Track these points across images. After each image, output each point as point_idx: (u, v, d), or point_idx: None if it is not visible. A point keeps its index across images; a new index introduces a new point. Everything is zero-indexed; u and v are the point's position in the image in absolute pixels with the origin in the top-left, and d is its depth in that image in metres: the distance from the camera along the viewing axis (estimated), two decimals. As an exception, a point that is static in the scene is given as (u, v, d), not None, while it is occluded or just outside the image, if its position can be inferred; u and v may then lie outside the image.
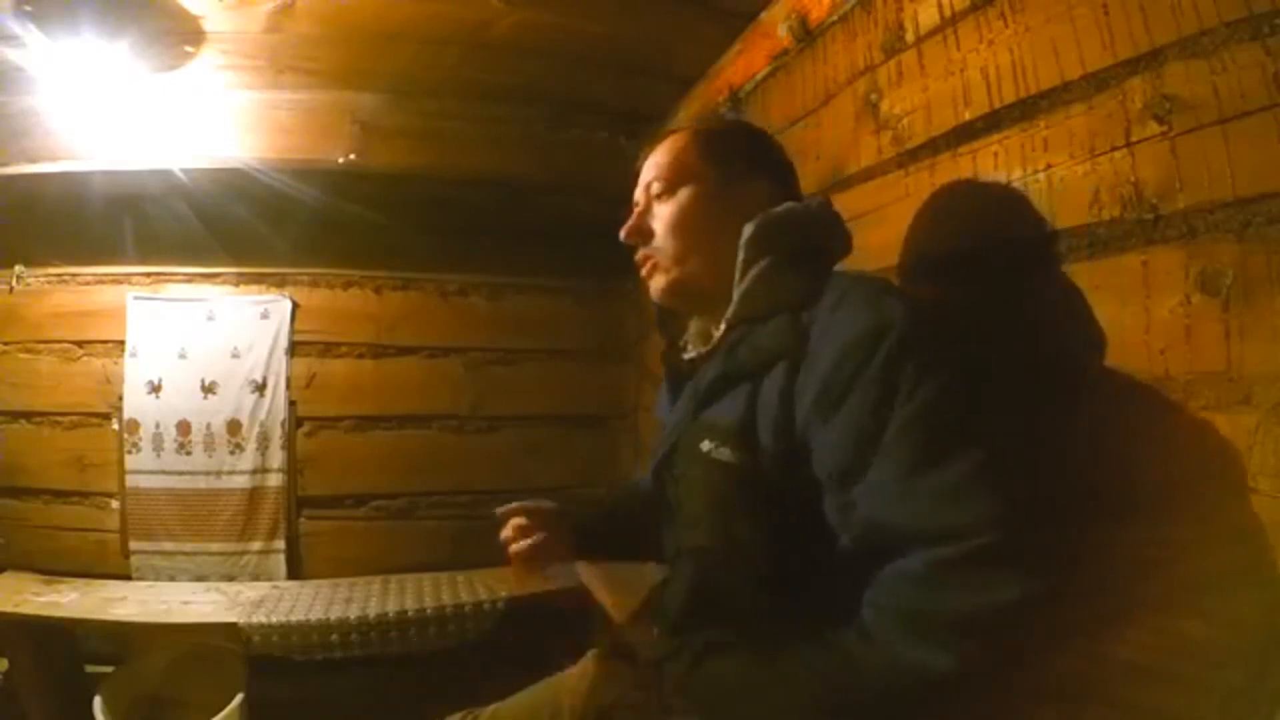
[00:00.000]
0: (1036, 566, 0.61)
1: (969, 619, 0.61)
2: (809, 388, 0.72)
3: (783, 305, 0.79)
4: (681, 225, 0.89)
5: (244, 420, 2.29)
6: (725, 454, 0.77)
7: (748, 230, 0.84)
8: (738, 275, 0.85)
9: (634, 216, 0.93)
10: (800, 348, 0.74)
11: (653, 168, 0.93)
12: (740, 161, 0.92)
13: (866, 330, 0.70)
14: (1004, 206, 0.99)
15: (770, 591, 0.76)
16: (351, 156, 2.21)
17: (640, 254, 0.93)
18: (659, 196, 0.92)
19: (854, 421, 0.68)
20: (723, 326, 0.86)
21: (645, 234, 0.92)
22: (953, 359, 0.71)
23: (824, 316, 0.75)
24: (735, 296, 0.84)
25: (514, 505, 1.02)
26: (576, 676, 1.07)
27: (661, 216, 0.91)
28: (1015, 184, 0.97)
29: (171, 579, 2.19)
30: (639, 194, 0.95)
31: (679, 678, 0.81)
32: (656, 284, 0.92)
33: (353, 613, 1.96)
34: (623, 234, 0.94)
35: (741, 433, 0.77)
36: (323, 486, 2.37)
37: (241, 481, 2.27)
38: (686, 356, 0.95)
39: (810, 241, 0.86)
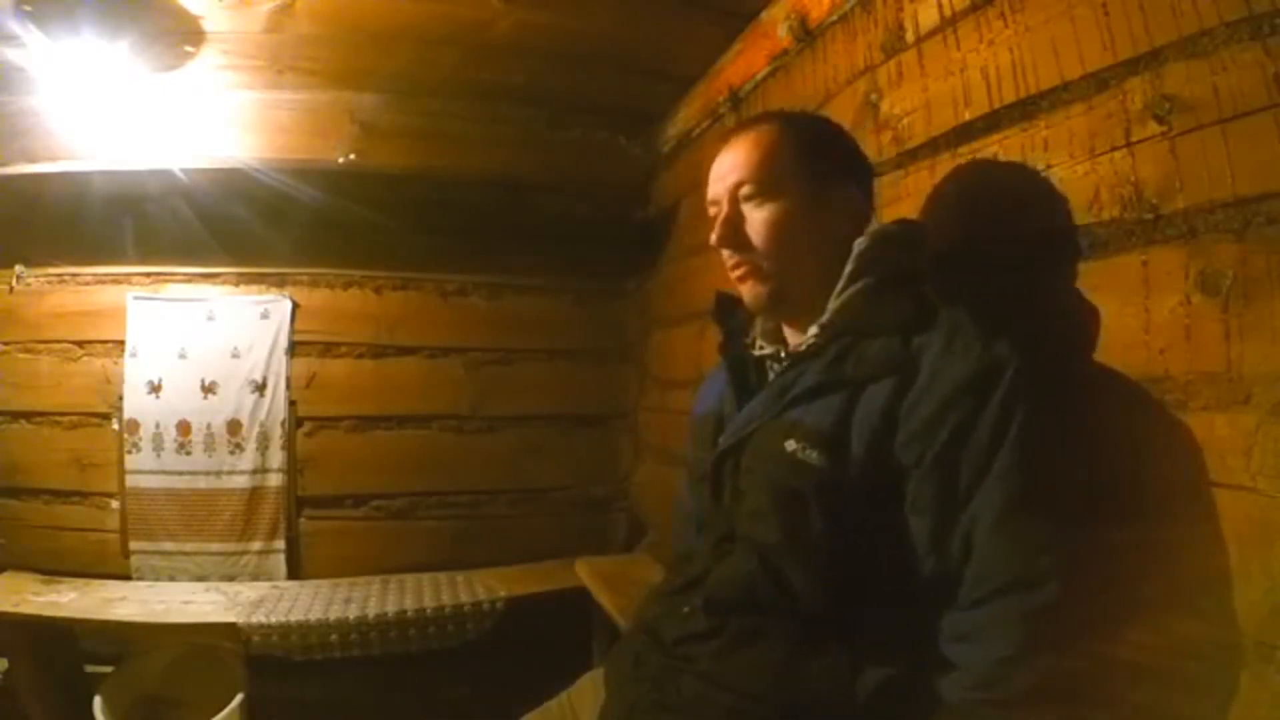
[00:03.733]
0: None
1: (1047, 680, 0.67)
2: (919, 411, 0.75)
3: (891, 325, 0.80)
4: (783, 234, 0.86)
5: (244, 420, 2.29)
6: (813, 456, 0.78)
7: (861, 244, 0.85)
8: (841, 285, 0.85)
9: (724, 220, 0.88)
10: (910, 370, 0.76)
11: (741, 167, 0.88)
12: (834, 165, 0.91)
13: (984, 369, 0.73)
14: (1018, 200, 0.99)
15: (826, 596, 0.78)
16: (351, 156, 2.21)
17: (734, 260, 0.89)
18: (751, 199, 0.87)
19: (963, 453, 0.72)
20: (812, 331, 0.86)
21: (742, 240, 0.88)
22: (1055, 404, 0.76)
23: (938, 346, 0.76)
24: (833, 305, 0.85)
25: None
26: (589, 690, 1.07)
27: (758, 222, 0.87)
28: (1028, 177, 0.97)
29: (171, 579, 2.19)
30: (721, 192, 0.90)
31: (712, 657, 0.82)
32: (756, 292, 0.89)
33: (353, 613, 1.96)
34: (715, 240, 0.89)
35: (833, 438, 0.78)
36: (323, 486, 2.37)
37: (241, 481, 2.27)
38: (758, 353, 0.96)
39: (911, 264, 0.87)
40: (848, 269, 0.85)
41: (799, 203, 0.87)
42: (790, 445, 0.80)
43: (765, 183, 0.86)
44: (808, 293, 0.88)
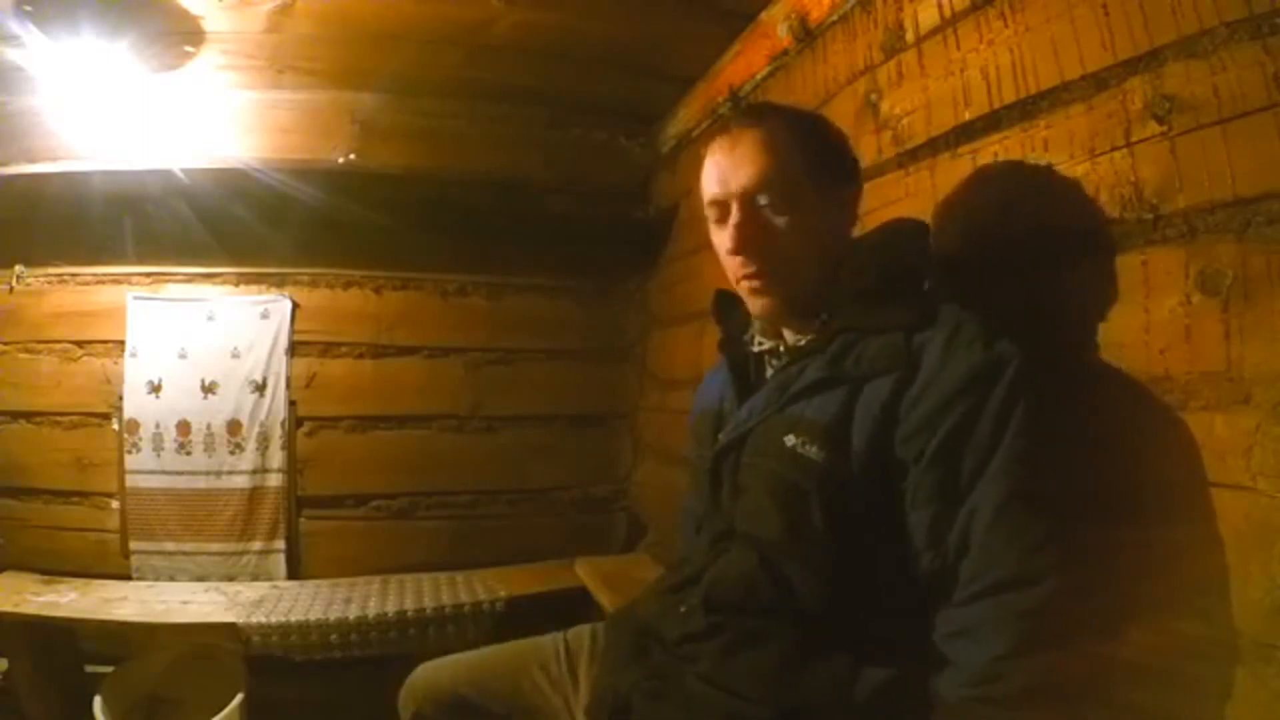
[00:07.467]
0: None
1: (1041, 679, 0.67)
2: (921, 407, 0.74)
3: (893, 322, 0.80)
4: (802, 243, 0.85)
5: (244, 420, 2.29)
6: (813, 451, 0.78)
7: (864, 241, 0.86)
8: (843, 281, 0.86)
9: (739, 227, 0.85)
10: (911, 366, 0.76)
11: (755, 175, 0.84)
12: (840, 167, 0.91)
13: (986, 366, 0.73)
14: (1022, 199, 0.99)
15: (826, 595, 0.78)
16: (351, 156, 2.21)
17: (748, 269, 0.87)
18: (768, 207, 0.85)
19: (963, 449, 0.72)
20: (813, 327, 0.86)
21: (760, 249, 0.85)
22: (1056, 401, 0.76)
23: (940, 342, 0.76)
24: (834, 302, 0.85)
25: None
26: (584, 638, 1.07)
27: (777, 232, 0.85)
28: (1032, 176, 0.97)
29: (171, 579, 2.19)
30: (729, 195, 0.86)
31: (712, 659, 0.82)
32: (767, 302, 0.88)
33: (353, 613, 1.96)
34: (731, 248, 0.86)
35: (834, 433, 0.78)
36: (323, 486, 2.36)
37: (241, 481, 2.27)
38: (757, 349, 0.95)
39: (914, 261, 0.87)
40: (850, 266, 0.86)
41: (815, 210, 0.86)
42: (791, 441, 0.80)
43: (784, 191, 0.84)
44: (808, 293, 0.88)
